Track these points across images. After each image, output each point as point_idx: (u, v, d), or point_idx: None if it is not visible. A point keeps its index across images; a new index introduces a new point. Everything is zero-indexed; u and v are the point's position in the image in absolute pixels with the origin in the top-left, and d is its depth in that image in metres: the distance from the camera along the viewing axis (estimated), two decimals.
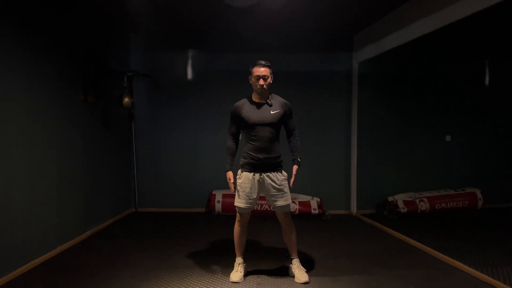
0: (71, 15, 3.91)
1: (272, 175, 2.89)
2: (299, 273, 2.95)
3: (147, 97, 5.55)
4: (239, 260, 3.05)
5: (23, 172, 3.17)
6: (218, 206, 5.17)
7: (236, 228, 3.04)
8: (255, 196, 2.92)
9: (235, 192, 2.98)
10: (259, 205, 5.05)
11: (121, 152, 5.21)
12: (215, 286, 2.86)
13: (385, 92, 5.36)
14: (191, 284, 2.88)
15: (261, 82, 2.82)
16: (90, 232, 4.24)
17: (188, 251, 3.66)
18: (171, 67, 5.52)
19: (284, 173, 2.97)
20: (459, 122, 5.55)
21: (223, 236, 4.13)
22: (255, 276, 3.05)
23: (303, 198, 5.22)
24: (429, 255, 3.58)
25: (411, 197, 5.18)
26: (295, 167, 2.99)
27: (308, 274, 2.96)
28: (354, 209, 5.36)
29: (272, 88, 2.99)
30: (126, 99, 4.78)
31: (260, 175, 2.88)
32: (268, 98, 2.92)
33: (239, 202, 2.94)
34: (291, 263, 3.04)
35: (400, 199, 5.13)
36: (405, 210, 5.03)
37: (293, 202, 4.94)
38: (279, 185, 2.90)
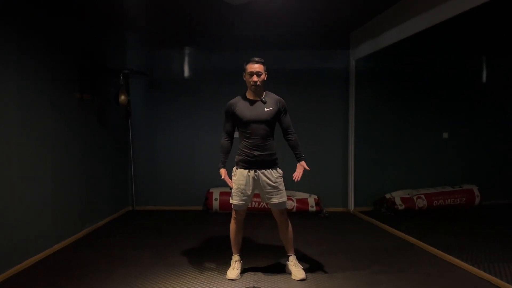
0: (66, 12, 3.88)
1: (267, 172, 2.88)
2: (296, 270, 2.95)
3: (144, 95, 5.54)
4: (235, 257, 3.05)
5: (19, 171, 3.15)
6: (215, 204, 5.16)
7: (232, 225, 3.04)
8: (249, 193, 2.91)
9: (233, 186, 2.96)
10: (256, 203, 5.04)
11: (117, 150, 5.20)
12: (211, 283, 2.86)
13: (382, 89, 5.36)
14: (188, 282, 2.88)
15: (255, 78, 2.80)
16: (87, 230, 4.22)
17: (185, 249, 3.65)
18: (168, 65, 5.50)
19: (280, 170, 2.96)
20: (457, 119, 5.55)
21: (220, 233, 4.12)
22: (252, 273, 3.05)
23: (301, 195, 5.21)
24: (426, 252, 3.59)
25: (408, 194, 5.19)
26: (303, 163, 2.95)
27: (305, 271, 2.96)
28: (351, 206, 5.36)
29: (268, 86, 2.97)
30: (122, 97, 4.76)
31: (255, 172, 2.88)
32: (262, 95, 2.90)
33: (234, 199, 2.94)
34: (287, 260, 3.04)
35: (397, 196, 5.13)
36: (403, 207, 5.03)
37: (290, 199, 4.94)
38: (274, 182, 2.89)
